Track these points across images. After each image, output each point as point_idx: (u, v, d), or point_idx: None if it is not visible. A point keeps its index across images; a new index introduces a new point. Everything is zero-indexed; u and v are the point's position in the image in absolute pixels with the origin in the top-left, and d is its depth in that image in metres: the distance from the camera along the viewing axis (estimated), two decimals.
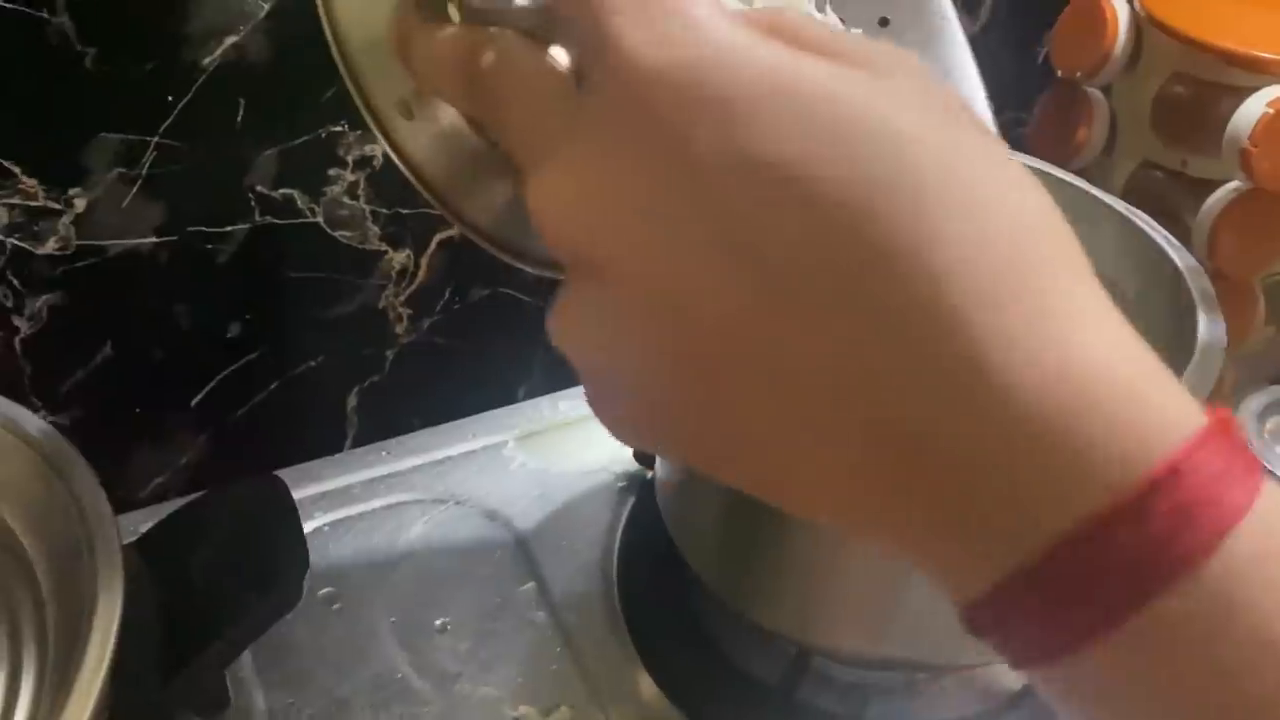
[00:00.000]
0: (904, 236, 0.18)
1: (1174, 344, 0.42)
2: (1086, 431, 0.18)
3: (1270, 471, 0.59)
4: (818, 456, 0.20)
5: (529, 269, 0.29)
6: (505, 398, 0.66)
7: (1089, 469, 0.18)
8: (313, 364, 0.63)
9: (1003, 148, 0.20)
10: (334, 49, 0.28)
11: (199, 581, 0.35)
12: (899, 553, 0.21)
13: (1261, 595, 0.18)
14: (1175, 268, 0.43)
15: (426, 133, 0.28)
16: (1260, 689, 0.18)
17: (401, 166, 0.28)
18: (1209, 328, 0.40)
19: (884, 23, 0.45)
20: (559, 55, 0.23)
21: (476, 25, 0.24)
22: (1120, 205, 0.47)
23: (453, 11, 0.26)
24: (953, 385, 0.18)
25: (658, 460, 0.50)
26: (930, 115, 0.19)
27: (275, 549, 0.35)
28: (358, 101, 0.29)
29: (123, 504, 0.63)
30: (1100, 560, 0.18)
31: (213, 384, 0.61)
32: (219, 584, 0.35)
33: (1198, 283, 0.42)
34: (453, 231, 0.63)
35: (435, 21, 0.26)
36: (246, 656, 0.46)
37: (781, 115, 0.18)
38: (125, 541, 0.35)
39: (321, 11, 0.28)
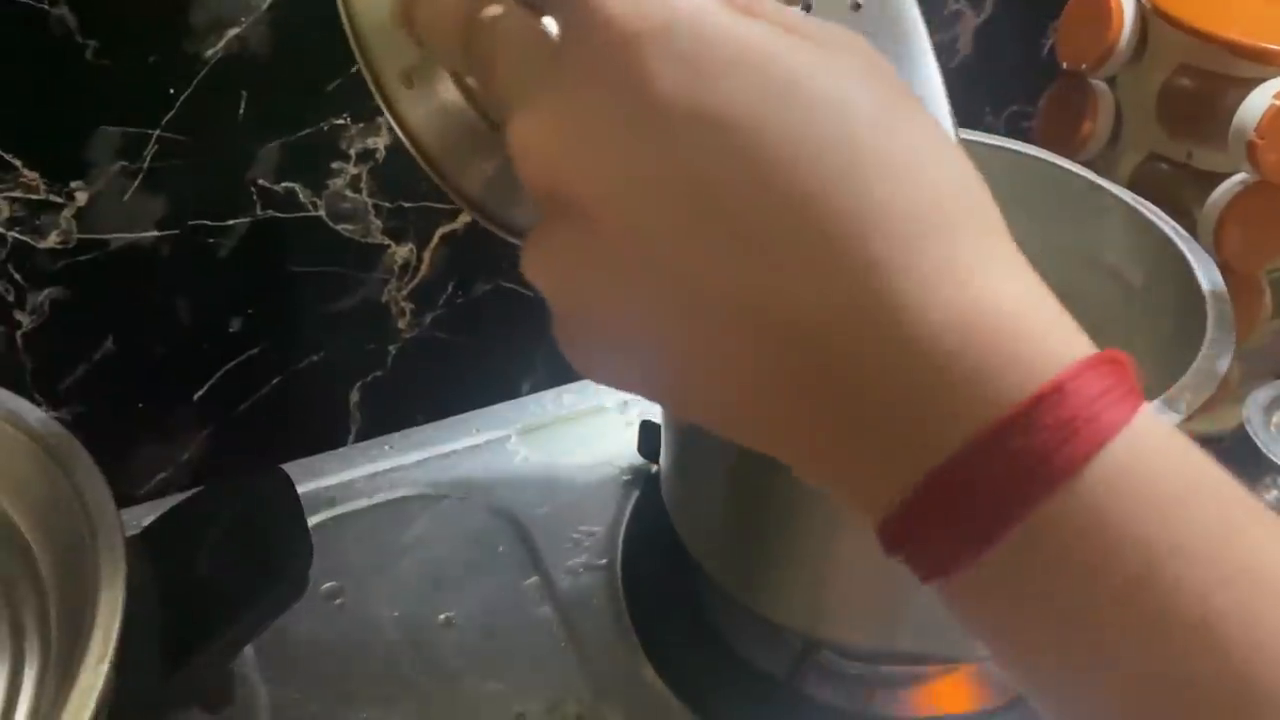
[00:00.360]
0: (838, 191, 0.21)
1: (1182, 333, 0.42)
2: (983, 357, 0.20)
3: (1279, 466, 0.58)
4: (755, 379, 0.22)
5: (514, 240, 0.31)
6: (509, 392, 0.66)
7: (985, 389, 0.20)
8: (315, 359, 0.63)
9: (933, 120, 0.23)
10: (345, 19, 0.30)
11: (203, 574, 0.35)
12: (820, 474, 0.23)
13: (1130, 502, 0.20)
14: (1183, 258, 0.43)
15: (426, 105, 0.30)
16: (1123, 577, 0.20)
17: (400, 133, 0.30)
18: (1217, 317, 0.40)
19: (856, 6, 0.46)
20: (550, 25, 0.24)
21: None
22: (1128, 196, 0.47)
23: None
24: (873, 316, 0.21)
25: (663, 454, 0.50)
26: (871, 88, 0.22)
27: (279, 541, 0.35)
28: (364, 71, 0.30)
29: (124, 499, 0.63)
30: (993, 468, 0.20)
31: (214, 379, 0.61)
32: (223, 577, 0.34)
33: (1207, 273, 0.42)
34: (455, 225, 0.63)
35: None
36: (250, 651, 0.46)
37: (740, 77, 0.21)
38: (128, 536, 0.35)
39: None
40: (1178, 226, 0.45)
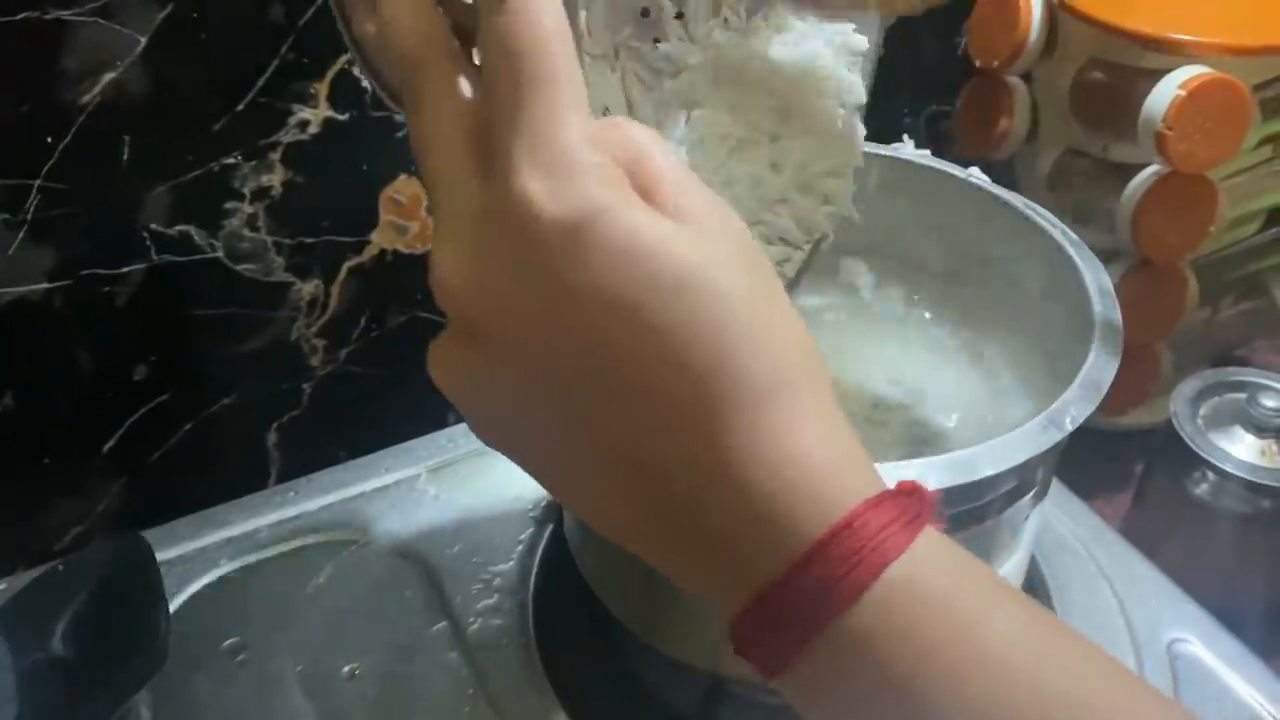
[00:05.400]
0: (701, 362, 0.25)
1: (1077, 339, 0.41)
2: (796, 499, 0.25)
3: (1205, 459, 0.57)
4: (621, 498, 0.27)
5: (382, 95, 0.34)
6: (434, 422, 0.65)
7: (796, 524, 0.25)
8: (227, 402, 0.61)
9: (785, 296, 0.27)
10: None
11: (60, 651, 0.33)
12: (679, 580, 0.27)
13: (907, 611, 0.24)
14: (1074, 264, 0.42)
15: None
16: (904, 669, 0.24)
17: None
18: (1104, 327, 0.39)
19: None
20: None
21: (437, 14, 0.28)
22: (1019, 202, 0.45)
23: None
24: (714, 468, 0.25)
25: None
26: (741, 273, 0.26)
27: (136, 613, 0.34)
28: None
29: (41, 555, 0.61)
30: (800, 589, 0.25)
31: (124, 429, 0.59)
32: (79, 654, 0.33)
33: (1096, 279, 0.41)
34: (363, 258, 0.61)
35: None
36: (146, 714, 0.45)
37: (634, 268, 0.25)
38: None
39: None
40: (1068, 231, 0.44)
